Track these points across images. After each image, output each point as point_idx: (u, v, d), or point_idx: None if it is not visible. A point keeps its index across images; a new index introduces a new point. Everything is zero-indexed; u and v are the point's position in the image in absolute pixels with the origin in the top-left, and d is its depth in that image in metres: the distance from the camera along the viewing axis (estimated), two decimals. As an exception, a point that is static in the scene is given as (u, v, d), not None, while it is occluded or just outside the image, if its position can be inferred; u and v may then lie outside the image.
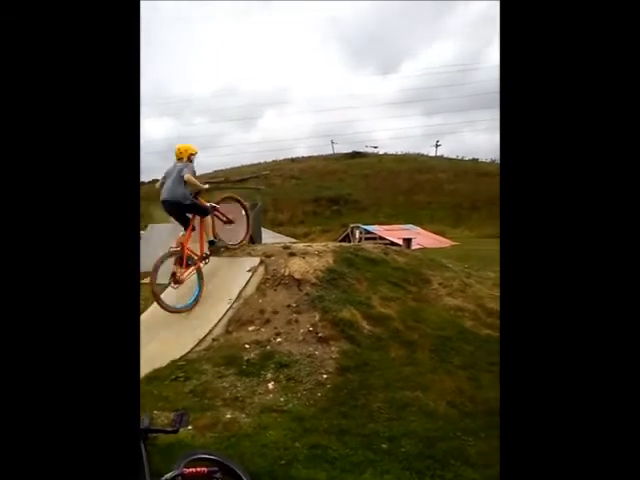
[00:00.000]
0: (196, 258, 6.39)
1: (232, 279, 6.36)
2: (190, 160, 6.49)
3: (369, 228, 24.04)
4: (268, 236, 17.97)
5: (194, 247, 6.46)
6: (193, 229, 6.46)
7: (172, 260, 6.19)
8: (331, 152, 50.73)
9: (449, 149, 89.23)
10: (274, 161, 48.05)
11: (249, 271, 6.33)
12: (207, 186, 6.87)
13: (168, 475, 2.61)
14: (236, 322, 5.58)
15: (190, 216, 6.46)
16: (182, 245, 6.19)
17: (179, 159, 6.47)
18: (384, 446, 3.62)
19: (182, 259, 6.15)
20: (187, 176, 6.13)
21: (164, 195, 6.30)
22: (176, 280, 6.10)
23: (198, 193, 6.51)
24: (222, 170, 41.86)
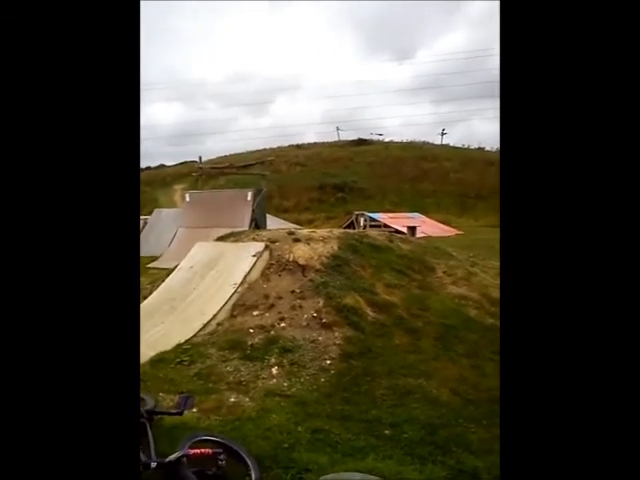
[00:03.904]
0: None
1: (237, 264, 6.37)
2: None
3: (374, 216, 23.97)
4: (273, 222, 17.98)
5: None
6: None
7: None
8: (336, 139, 50.43)
9: (457, 138, 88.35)
10: (279, 147, 47.79)
11: (254, 256, 6.34)
12: None
13: (173, 456, 2.64)
14: (240, 306, 5.60)
15: None
16: None
17: None
18: (386, 432, 3.62)
19: None
20: None
21: None
22: None
23: None
24: (227, 156, 41.71)
